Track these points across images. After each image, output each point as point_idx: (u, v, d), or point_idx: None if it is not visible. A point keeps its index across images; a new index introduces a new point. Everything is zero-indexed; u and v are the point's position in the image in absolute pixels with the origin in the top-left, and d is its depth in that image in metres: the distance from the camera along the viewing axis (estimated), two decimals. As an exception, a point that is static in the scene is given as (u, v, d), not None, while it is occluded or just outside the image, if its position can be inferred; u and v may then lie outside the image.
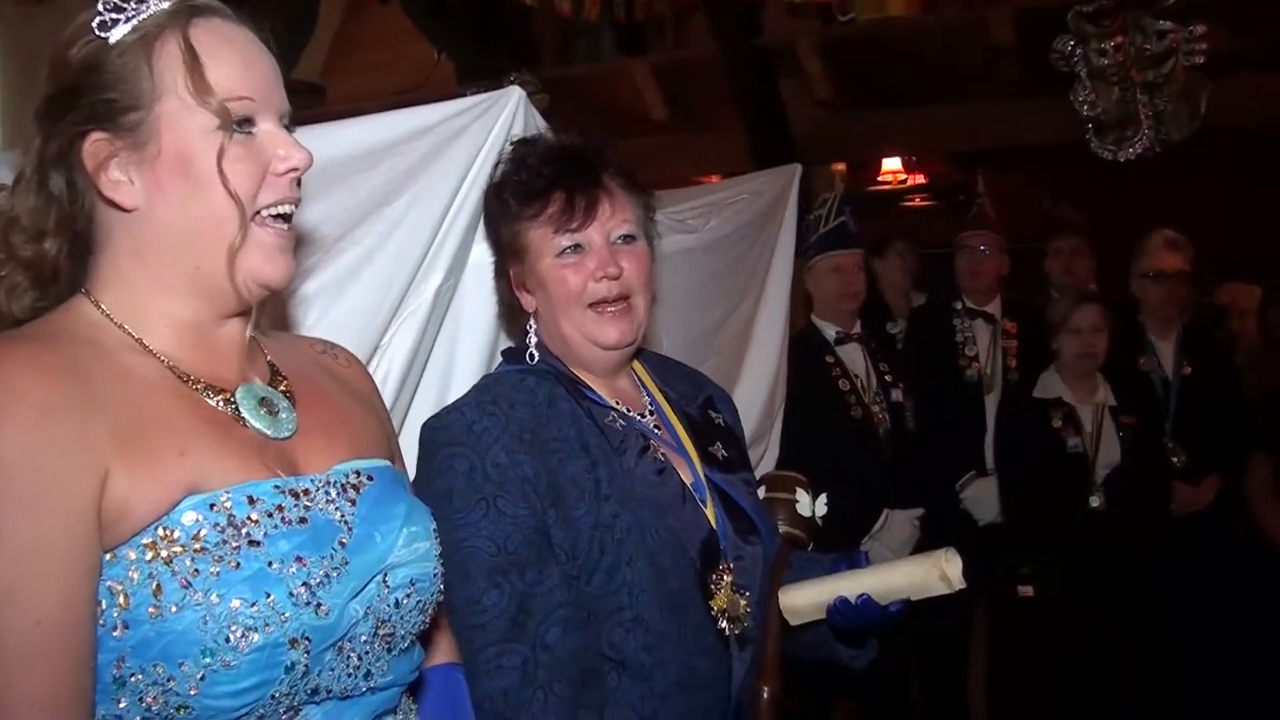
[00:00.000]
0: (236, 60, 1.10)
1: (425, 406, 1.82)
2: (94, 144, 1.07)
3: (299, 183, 1.16)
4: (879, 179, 8.23)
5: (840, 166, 7.02)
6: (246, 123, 1.10)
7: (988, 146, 6.38)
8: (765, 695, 1.57)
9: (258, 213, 1.11)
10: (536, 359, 1.63)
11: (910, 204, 8.55)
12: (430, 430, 1.52)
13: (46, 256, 1.11)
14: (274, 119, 1.13)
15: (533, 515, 1.45)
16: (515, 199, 1.61)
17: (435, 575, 1.19)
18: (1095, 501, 3.52)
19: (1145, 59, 4.50)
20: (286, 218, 1.14)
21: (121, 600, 0.97)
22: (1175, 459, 3.81)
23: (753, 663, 1.57)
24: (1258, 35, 5.23)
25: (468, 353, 1.93)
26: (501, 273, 1.69)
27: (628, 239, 1.60)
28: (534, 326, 1.65)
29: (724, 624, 1.54)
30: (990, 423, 3.99)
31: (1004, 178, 6.39)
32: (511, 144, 1.72)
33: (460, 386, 1.82)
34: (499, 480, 1.45)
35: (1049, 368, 3.69)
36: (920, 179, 8.32)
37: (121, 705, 0.98)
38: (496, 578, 1.41)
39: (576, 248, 1.58)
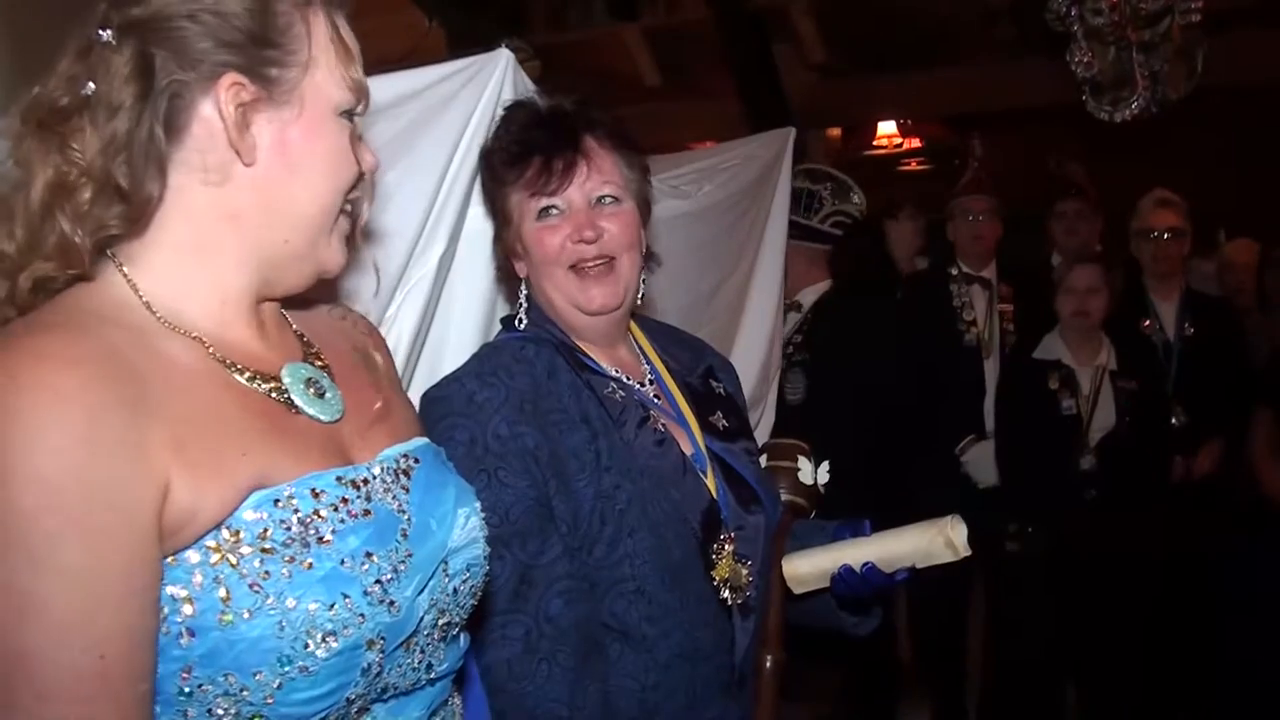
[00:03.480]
0: (355, 55, 1.10)
1: (420, 378, 1.81)
2: (233, 86, 0.99)
3: None
4: (874, 143, 8.19)
5: (836, 132, 6.99)
6: (355, 115, 1.11)
7: (983, 109, 6.33)
8: (769, 664, 1.57)
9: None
10: (525, 324, 1.62)
11: (906, 168, 8.52)
12: (430, 400, 1.51)
13: (150, 197, 0.98)
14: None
15: (534, 487, 1.45)
16: (500, 164, 1.61)
17: (485, 557, 1.15)
18: (1087, 464, 3.52)
19: (1141, 18, 4.45)
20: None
21: (186, 608, 0.90)
22: (1175, 420, 3.81)
23: (755, 632, 1.57)
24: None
25: (461, 323, 1.91)
26: (498, 238, 1.69)
27: (610, 200, 1.59)
28: (524, 292, 1.65)
29: (726, 594, 1.54)
30: (989, 386, 4.00)
31: (1001, 140, 6.35)
32: (504, 109, 1.71)
33: (454, 356, 1.80)
34: (500, 452, 1.44)
35: (1053, 330, 3.68)
36: (916, 143, 8.28)
37: (189, 716, 0.92)
38: (499, 549, 1.40)
39: (554, 210, 1.57)
